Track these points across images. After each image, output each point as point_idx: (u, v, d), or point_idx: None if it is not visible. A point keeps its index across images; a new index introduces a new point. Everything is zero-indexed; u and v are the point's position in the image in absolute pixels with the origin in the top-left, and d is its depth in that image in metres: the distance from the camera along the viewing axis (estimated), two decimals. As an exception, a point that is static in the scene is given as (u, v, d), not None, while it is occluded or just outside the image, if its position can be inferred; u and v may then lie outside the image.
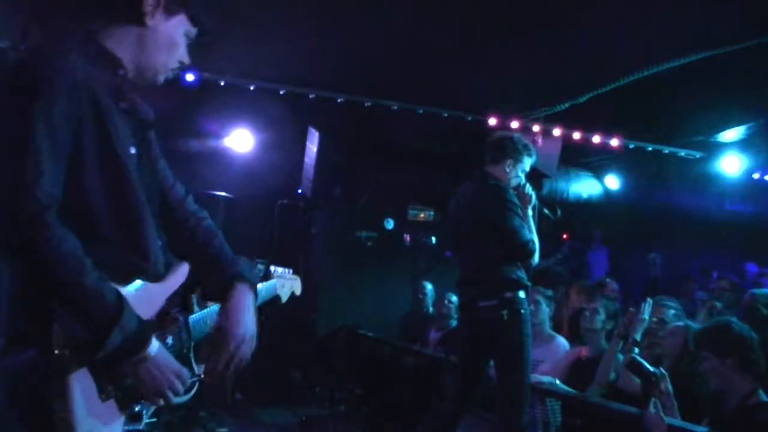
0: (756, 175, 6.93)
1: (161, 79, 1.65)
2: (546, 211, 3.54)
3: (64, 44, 1.43)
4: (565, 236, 8.25)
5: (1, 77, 1.40)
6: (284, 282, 2.21)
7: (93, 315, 1.32)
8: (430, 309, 6.20)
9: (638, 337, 3.26)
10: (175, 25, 1.58)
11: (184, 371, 1.50)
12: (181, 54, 1.63)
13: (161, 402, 1.46)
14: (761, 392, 2.58)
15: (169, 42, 1.59)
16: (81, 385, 1.34)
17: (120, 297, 1.36)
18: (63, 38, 1.47)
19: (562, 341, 4.15)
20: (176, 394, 1.46)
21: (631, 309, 3.42)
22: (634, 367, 2.90)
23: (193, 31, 1.63)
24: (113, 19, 1.52)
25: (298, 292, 2.25)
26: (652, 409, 2.70)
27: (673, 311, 3.67)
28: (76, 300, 1.31)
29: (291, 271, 2.24)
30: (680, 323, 3.43)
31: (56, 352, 1.31)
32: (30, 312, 1.33)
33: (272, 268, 2.17)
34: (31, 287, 1.32)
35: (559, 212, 3.58)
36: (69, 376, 1.32)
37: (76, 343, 1.32)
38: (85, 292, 1.31)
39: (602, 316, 3.77)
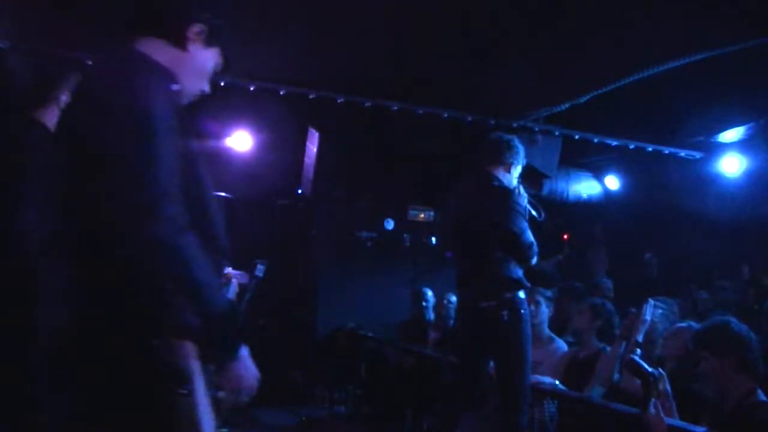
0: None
1: (184, 102, 1.74)
2: (533, 212, 3.55)
3: (147, 59, 1.54)
4: (565, 236, 8.25)
5: (96, 93, 1.48)
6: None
7: (213, 310, 1.45)
8: (431, 316, 6.20)
9: (640, 338, 3.26)
10: (209, 56, 1.72)
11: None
12: (205, 84, 1.76)
13: (236, 400, 1.60)
14: (760, 392, 2.58)
15: (201, 70, 1.72)
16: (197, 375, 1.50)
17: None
18: (119, 52, 1.58)
19: (561, 344, 4.16)
20: (251, 395, 1.59)
21: (633, 310, 3.42)
22: (633, 367, 2.90)
23: (219, 66, 1.76)
24: (158, 38, 1.63)
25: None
26: (652, 410, 2.70)
27: (660, 311, 3.67)
28: (202, 295, 1.43)
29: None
30: (683, 324, 3.43)
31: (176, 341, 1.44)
32: (152, 304, 1.44)
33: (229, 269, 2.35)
34: (159, 283, 1.43)
35: (543, 214, 3.58)
36: (193, 363, 1.46)
37: (192, 335, 1.46)
38: (211, 289, 1.45)
39: (588, 315, 3.78)
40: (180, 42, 1.65)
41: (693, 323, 3.42)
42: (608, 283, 6.32)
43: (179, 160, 1.49)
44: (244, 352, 1.54)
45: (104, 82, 1.48)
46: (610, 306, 3.93)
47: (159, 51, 1.61)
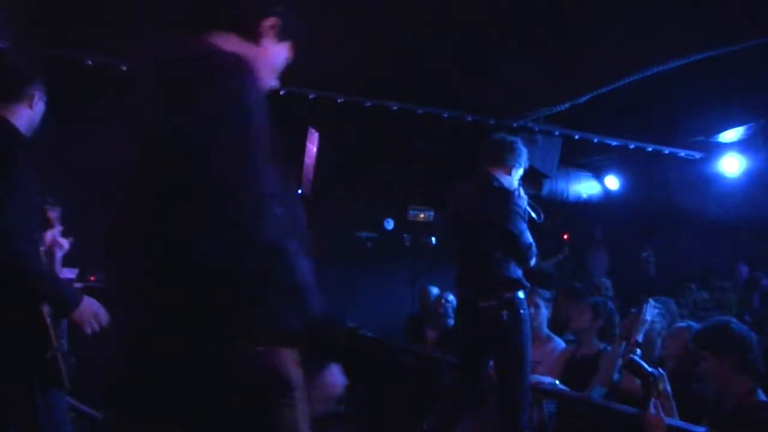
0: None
1: None
2: (532, 214, 3.55)
3: (232, 54, 1.44)
4: (565, 236, 8.25)
5: (187, 89, 1.39)
6: None
7: (314, 315, 1.39)
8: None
9: (640, 338, 3.26)
10: (280, 51, 1.67)
11: None
12: (275, 80, 1.73)
13: (321, 409, 1.54)
14: (760, 392, 2.58)
15: (273, 65, 1.68)
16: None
17: None
18: (195, 47, 1.49)
19: (559, 342, 4.16)
20: (335, 404, 1.57)
21: (633, 310, 3.42)
22: (632, 367, 2.91)
23: (289, 60, 1.71)
24: (230, 32, 1.57)
25: None
26: (652, 410, 2.70)
27: (657, 311, 3.68)
28: (304, 300, 1.37)
29: None
30: (683, 324, 3.43)
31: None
32: (254, 310, 1.35)
33: None
34: (263, 287, 1.34)
35: (542, 216, 3.59)
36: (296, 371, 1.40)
37: (294, 342, 1.39)
38: (312, 294, 1.39)
39: (589, 314, 3.78)
40: (254, 36, 1.60)
41: (692, 323, 3.42)
42: (607, 283, 6.33)
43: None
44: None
45: (195, 77, 1.38)
46: (611, 305, 3.93)
47: (232, 46, 1.54)
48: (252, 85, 1.40)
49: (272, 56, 1.65)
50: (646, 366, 2.85)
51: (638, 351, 3.17)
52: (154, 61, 1.56)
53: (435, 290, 6.33)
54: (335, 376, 1.52)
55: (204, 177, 1.31)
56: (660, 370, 2.84)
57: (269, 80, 1.69)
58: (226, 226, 1.31)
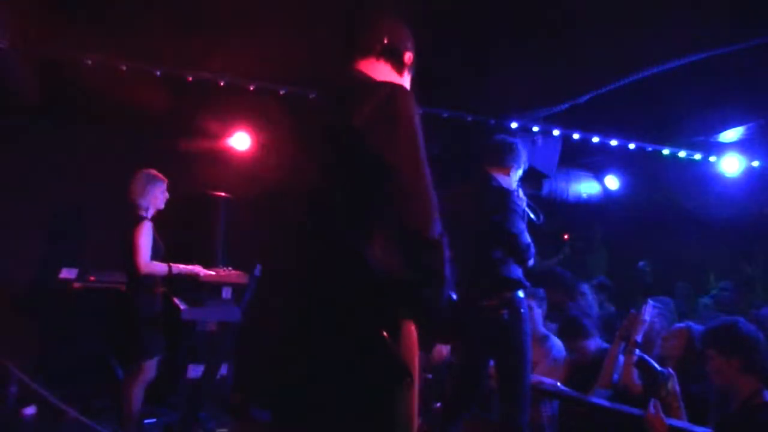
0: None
1: None
2: (531, 214, 3.56)
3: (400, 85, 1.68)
4: (565, 236, 8.24)
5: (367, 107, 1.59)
6: None
7: (445, 302, 1.59)
8: None
9: (639, 338, 3.26)
10: (407, 82, 1.91)
11: None
12: None
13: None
14: (766, 392, 2.58)
15: None
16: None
17: None
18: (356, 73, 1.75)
19: (556, 341, 4.16)
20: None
21: (632, 311, 3.42)
22: (642, 366, 2.90)
23: None
24: (385, 62, 1.83)
25: None
26: (652, 410, 2.70)
27: (657, 311, 3.68)
28: (444, 290, 1.57)
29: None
30: (681, 324, 3.43)
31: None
32: (394, 296, 1.55)
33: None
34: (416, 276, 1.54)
35: (541, 216, 3.59)
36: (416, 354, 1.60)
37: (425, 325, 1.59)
38: (450, 286, 1.60)
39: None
40: (401, 68, 1.85)
41: (691, 323, 3.42)
42: (585, 288, 6.33)
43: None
44: None
45: (375, 98, 1.57)
46: (611, 308, 3.93)
47: (382, 74, 1.78)
48: (414, 108, 1.61)
49: (408, 86, 1.87)
50: (656, 365, 2.85)
51: (637, 351, 3.17)
52: (333, 85, 1.78)
53: None
54: (443, 351, 1.71)
55: (386, 181, 1.50)
56: (669, 369, 2.84)
57: None
58: (404, 224, 1.50)
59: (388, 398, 1.54)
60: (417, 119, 1.57)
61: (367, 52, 1.80)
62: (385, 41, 1.82)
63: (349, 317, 1.53)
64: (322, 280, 1.56)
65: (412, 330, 1.57)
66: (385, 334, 1.52)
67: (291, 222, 1.66)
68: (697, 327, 3.29)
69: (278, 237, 1.71)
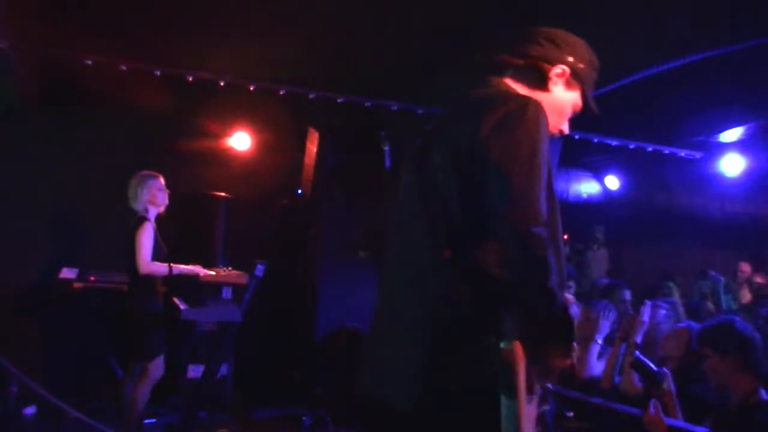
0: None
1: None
2: None
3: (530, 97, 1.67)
4: (566, 237, 8.25)
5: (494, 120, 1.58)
6: None
7: (555, 314, 1.55)
8: None
9: (639, 339, 3.26)
10: (569, 98, 1.86)
11: None
12: (564, 125, 1.88)
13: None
14: (762, 391, 2.58)
15: (559, 109, 1.84)
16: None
17: None
18: (496, 86, 1.76)
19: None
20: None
21: (630, 312, 3.42)
22: (638, 366, 2.90)
23: (580, 107, 1.89)
24: (523, 77, 1.81)
25: None
26: (652, 410, 2.70)
27: (663, 311, 3.68)
28: (551, 302, 1.52)
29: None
30: (682, 324, 3.43)
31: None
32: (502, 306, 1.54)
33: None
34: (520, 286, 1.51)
35: None
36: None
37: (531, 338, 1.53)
38: (558, 299, 1.54)
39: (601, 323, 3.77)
40: (542, 83, 1.80)
41: (692, 323, 3.42)
42: (605, 283, 6.32)
43: (549, 190, 1.60)
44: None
45: (502, 111, 1.57)
46: (610, 306, 3.92)
47: (524, 89, 1.77)
48: (544, 124, 1.59)
49: (559, 102, 1.83)
50: (651, 365, 2.86)
51: (636, 353, 3.17)
52: (467, 95, 1.78)
53: None
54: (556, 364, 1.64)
55: (488, 195, 1.51)
56: (665, 369, 2.84)
57: (557, 123, 1.85)
58: (502, 241, 1.49)
59: (486, 412, 1.52)
60: (539, 135, 1.55)
61: (506, 66, 1.82)
62: (528, 55, 1.82)
63: (453, 327, 1.55)
64: (443, 289, 1.57)
65: (515, 341, 1.56)
66: (486, 343, 1.53)
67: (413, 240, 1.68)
68: (697, 326, 3.29)
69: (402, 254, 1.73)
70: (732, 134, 6.01)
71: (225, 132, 5.96)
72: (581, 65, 1.87)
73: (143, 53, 4.58)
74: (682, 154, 6.47)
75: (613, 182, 7.46)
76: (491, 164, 1.52)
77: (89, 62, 4.52)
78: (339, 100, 5.29)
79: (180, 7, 3.93)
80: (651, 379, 2.81)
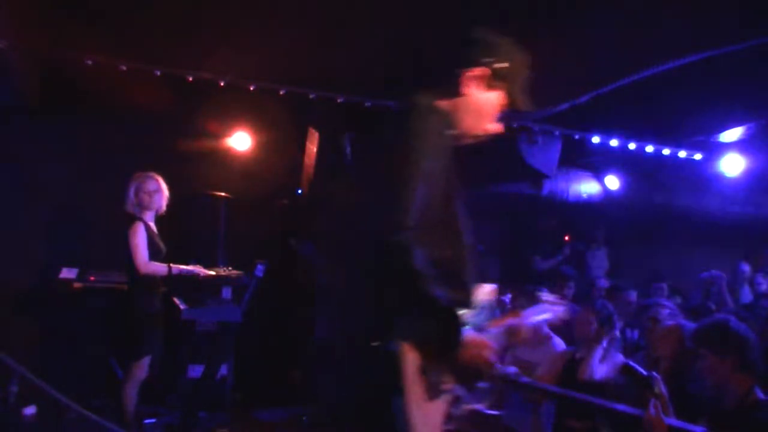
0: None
1: (471, 139, 1.91)
2: None
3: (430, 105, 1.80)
4: (566, 237, 8.25)
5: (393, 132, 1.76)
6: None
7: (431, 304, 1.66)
8: None
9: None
10: (489, 98, 1.88)
11: None
12: (491, 124, 1.92)
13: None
14: (758, 390, 2.59)
15: (479, 111, 1.88)
16: None
17: None
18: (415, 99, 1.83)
19: (558, 342, 4.16)
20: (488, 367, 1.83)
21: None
22: (628, 371, 2.91)
23: (508, 105, 1.92)
24: (437, 87, 1.88)
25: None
26: (652, 410, 2.70)
27: (668, 311, 3.68)
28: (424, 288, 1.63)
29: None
30: (672, 322, 3.43)
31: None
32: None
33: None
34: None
35: None
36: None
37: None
38: (429, 281, 1.63)
39: (595, 324, 3.77)
40: (455, 88, 1.85)
41: (683, 321, 3.42)
42: (603, 283, 6.33)
43: (439, 194, 1.69)
44: (476, 340, 1.73)
45: (397, 122, 1.75)
46: (610, 307, 3.92)
47: (440, 94, 1.84)
48: (429, 134, 1.68)
49: (479, 103, 1.87)
50: (641, 370, 2.86)
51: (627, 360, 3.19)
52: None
53: None
54: (472, 356, 1.72)
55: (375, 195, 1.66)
56: (654, 373, 2.84)
57: (478, 124, 1.89)
58: (380, 230, 1.59)
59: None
60: (429, 133, 1.65)
61: (422, 83, 1.90)
62: (447, 59, 1.92)
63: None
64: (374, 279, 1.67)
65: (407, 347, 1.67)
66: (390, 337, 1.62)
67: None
68: (689, 325, 3.30)
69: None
70: (732, 134, 6.01)
71: (225, 132, 5.95)
72: (503, 65, 1.88)
73: (143, 53, 4.58)
74: (682, 154, 6.47)
75: (613, 182, 7.45)
76: (377, 171, 1.66)
77: (89, 62, 4.52)
78: (339, 100, 5.29)
79: (180, 7, 3.93)
80: (642, 384, 2.81)
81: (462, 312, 1.72)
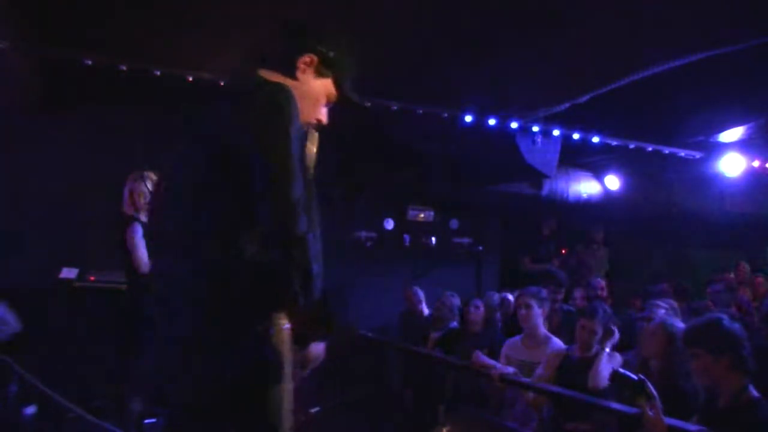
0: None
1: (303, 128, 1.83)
2: None
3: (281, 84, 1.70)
4: (563, 251, 8.27)
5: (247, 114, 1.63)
6: None
7: (316, 297, 1.66)
8: (426, 312, 6.23)
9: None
10: (321, 85, 1.86)
11: None
12: (320, 114, 1.89)
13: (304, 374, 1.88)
14: (752, 388, 2.59)
15: (311, 98, 1.85)
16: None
17: None
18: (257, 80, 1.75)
19: (557, 342, 4.16)
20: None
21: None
22: (618, 378, 2.91)
23: (336, 96, 1.90)
24: (273, 69, 1.80)
25: None
26: (650, 411, 2.71)
27: (663, 311, 3.68)
28: (314, 285, 1.63)
29: None
30: (657, 321, 3.43)
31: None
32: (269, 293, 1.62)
33: None
34: (284, 272, 1.59)
35: None
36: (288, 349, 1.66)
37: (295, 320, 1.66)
38: (319, 281, 1.65)
39: (599, 331, 3.76)
40: (292, 72, 1.80)
41: (666, 319, 3.42)
42: (600, 282, 6.34)
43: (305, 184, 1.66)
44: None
45: (257, 104, 1.63)
46: (607, 308, 3.93)
47: (277, 78, 1.77)
48: (296, 115, 1.62)
49: (310, 90, 1.84)
50: (631, 375, 2.86)
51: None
52: (227, 88, 1.87)
53: (420, 291, 6.39)
54: (321, 348, 1.85)
55: (252, 181, 1.56)
56: (640, 375, 2.85)
57: (311, 113, 1.86)
58: (265, 222, 1.56)
59: (260, 392, 1.61)
60: (289, 122, 1.60)
61: (263, 58, 1.85)
62: (280, 45, 1.87)
63: (224, 310, 1.59)
64: (201, 275, 1.61)
65: (284, 324, 1.64)
66: (259, 328, 1.59)
67: (182, 221, 1.71)
68: (678, 323, 3.31)
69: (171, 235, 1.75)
70: (732, 134, 6.01)
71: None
72: (331, 53, 1.87)
73: (143, 53, 4.58)
74: (682, 154, 6.47)
75: (613, 182, 7.46)
76: (250, 154, 1.57)
77: (89, 62, 4.52)
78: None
79: (180, 7, 3.93)
80: (634, 389, 2.81)
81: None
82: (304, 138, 1.73)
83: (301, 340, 1.74)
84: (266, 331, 1.60)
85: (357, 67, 1.95)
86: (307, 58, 1.82)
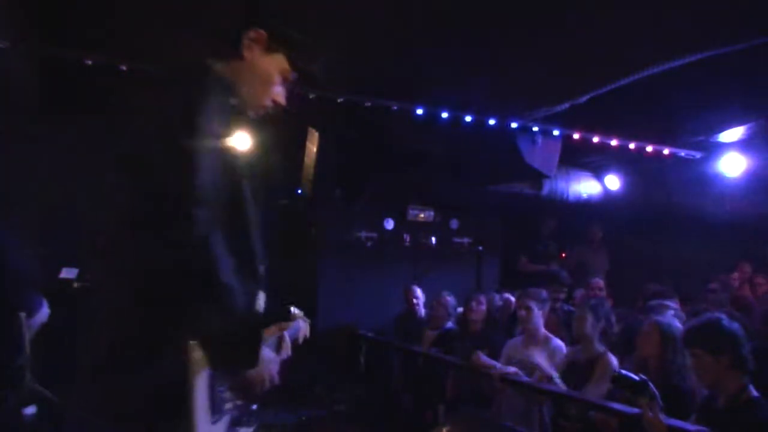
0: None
1: (255, 112, 1.75)
2: None
3: (208, 72, 1.59)
4: (563, 254, 8.26)
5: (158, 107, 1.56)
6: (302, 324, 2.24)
7: (233, 314, 1.43)
8: (422, 313, 6.25)
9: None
10: (271, 63, 1.68)
11: None
12: (276, 93, 1.73)
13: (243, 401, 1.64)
14: (751, 387, 2.60)
15: (262, 78, 1.69)
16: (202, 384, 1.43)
17: None
18: (197, 68, 1.62)
19: (558, 343, 4.17)
20: (259, 398, 1.66)
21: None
22: (620, 380, 2.91)
23: (292, 74, 1.73)
24: (218, 47, 1.67)
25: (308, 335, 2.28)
26: (649, 413, 2.71)
27: (672, 311, 3.68)
28: (225, 297, 1.41)
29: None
30: (650, 321, 3.44)
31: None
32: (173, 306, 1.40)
33: (292, 308, 2.23)
34: (185, 282, 1.39)
35: None
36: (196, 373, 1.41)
37: (206, 341, 1.40)
38: (233, 291, 1.43)
39: (590, 320, 3.77)
40: (237, 50, 1.64)
41: (659, 319, 3.42)
42: (599, 282, 6.34)
43: (221, 174, 1.49)
44: (267, 354, 1.56)
45: (166, 96, 1.55)
46: (607, 304, 3.93)
47: (220, 60, 1.63)
48: (207, 106, 1.46)
49: (260, 68, 1.67)
50: (633, 376, 2.86)
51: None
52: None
53: (419, 290, 6.40)
54: (256, 373, 1.53)
55: (148, 184, 1.43)
56: (642, 376, 2.85)
57: (264, 93, 1.70)
58: (162, 228, 1.38)
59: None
60: (212, 104, 1.47)
61: (208, 42, 1.73)
62: (223, 22, 1.73)
63: (128, 339, 1.42)
64: (111, 299, 1.51)
65: (195, 355, 1.41)
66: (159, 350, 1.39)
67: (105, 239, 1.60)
68: (663, 320, 3.31)
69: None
70: (732, 134, 6.01)
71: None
72: (280, 27, 1.68)
73: (143, 53, 4.58)
74: (682, 154, 6.47)
75: (613, 182, 7.45)
76: (152, 161, 1.44)
77: (89, 62, 4.52)
78: (339, 100, 5.29)
79: (181, 7, 3.93)
80: (635, 390, 2.82)
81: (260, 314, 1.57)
82: (227, 127, 1.56)
83: (227, 370, 1.51)
84: (171, 356, 1.37)
85: (318, 42, 1.78)
86: (252, 33, 1.64)
